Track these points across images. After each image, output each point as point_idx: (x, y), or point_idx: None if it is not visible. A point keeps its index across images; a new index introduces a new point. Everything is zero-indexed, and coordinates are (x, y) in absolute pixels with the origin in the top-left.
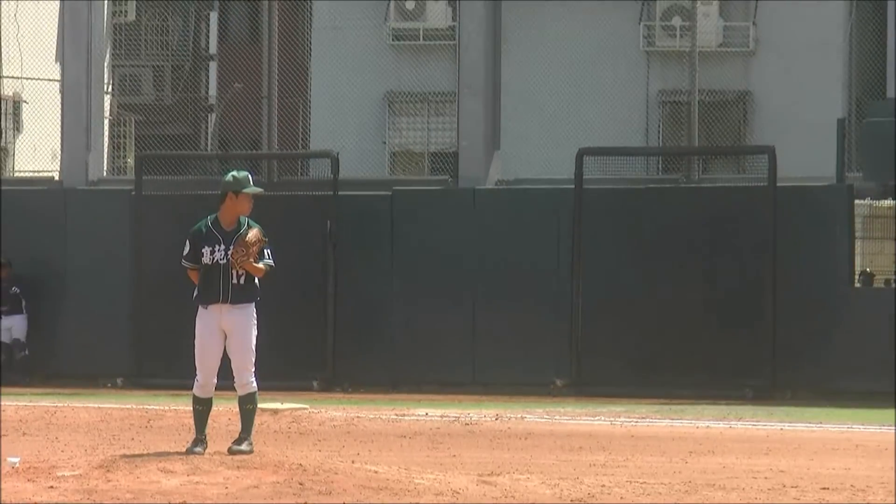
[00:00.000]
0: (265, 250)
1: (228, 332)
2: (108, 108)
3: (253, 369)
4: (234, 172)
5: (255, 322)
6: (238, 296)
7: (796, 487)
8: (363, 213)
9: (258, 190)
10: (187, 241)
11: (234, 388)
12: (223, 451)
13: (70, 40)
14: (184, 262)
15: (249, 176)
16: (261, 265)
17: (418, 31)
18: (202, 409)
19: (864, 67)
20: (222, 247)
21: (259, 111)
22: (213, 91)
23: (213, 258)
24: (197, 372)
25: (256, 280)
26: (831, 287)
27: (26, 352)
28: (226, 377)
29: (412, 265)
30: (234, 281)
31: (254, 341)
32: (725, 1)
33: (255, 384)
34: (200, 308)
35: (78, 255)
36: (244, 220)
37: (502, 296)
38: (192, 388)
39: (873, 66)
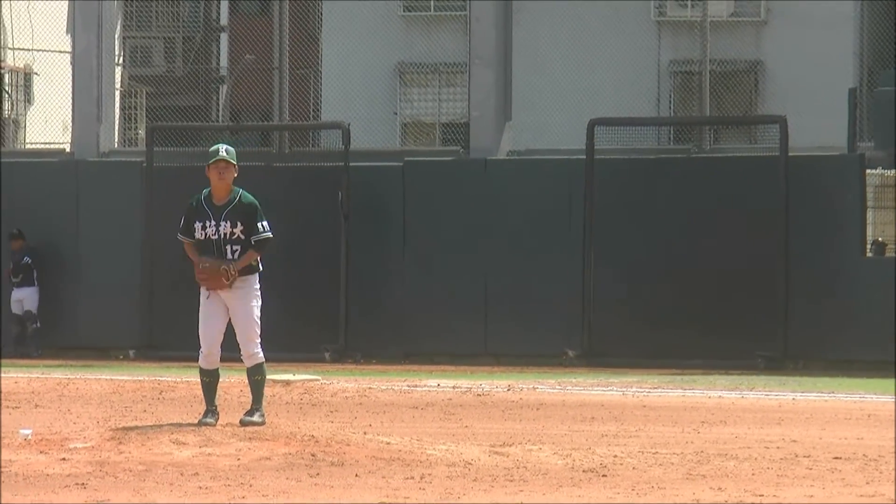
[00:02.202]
0: (260, 223)
1: (230, 306)
2: (119, 79)
3: (258, 340)
4: (215, 146)
5: (259, 293)
6: None
7: (808, 457)
8: (374, 184)
9: (217, 158)
10: (183, 215)
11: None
12: (235, 423)
13: (81, 12)
14: (179, 236)
15: (221, 147)
16: (252, 256)
17: (429, 1)
18: (209, 381)
19: (875, 37)
20: (213, 222)
21: (270, 82)
22: (224, 62)
23: (206, 234)
24: (200, 342)
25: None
26: (843, 257)
27: (38, 324)
28: (236, 349)
29: (423, 236)
30: (229, 256)
31: (257, 312)
32: None
33: (261, 355)
34: None
35: (89, 227)
36: (237, 193)
37: (514, 267)
38: None
39: (885, 36)
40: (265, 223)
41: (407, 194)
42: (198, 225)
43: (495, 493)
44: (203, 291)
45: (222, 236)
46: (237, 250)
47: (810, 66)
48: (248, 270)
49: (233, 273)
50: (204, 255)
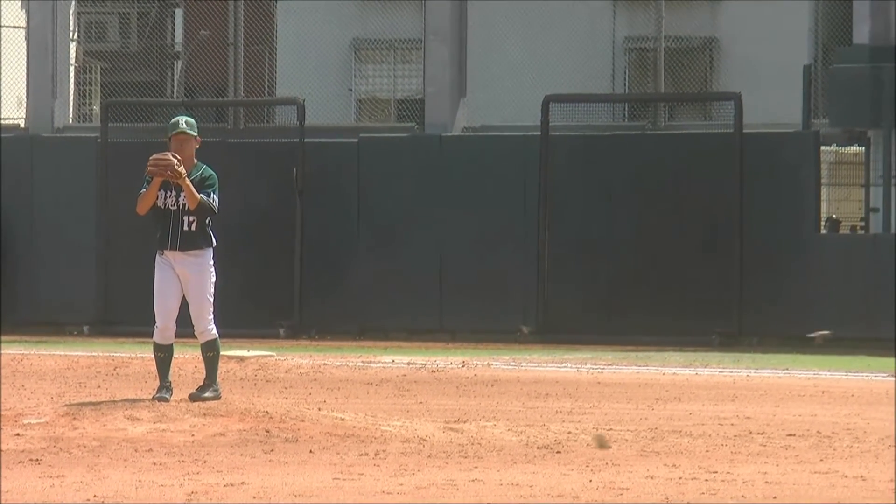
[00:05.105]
0: (212, 193)
1: (183, 280)
2: (74, 55)
3: (210, 317)
4: (175, 118)
5: (212, 270)
6: (188, 242)
7: (762, 434)
8: (329, 160)
9: (177, 130)
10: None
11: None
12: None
13: None
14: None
15: (181, 119)
16: (196, 194)
17: None
18: (164, 356)
19: (830, 13)
20: (173, 193)
21: (225, 58)
22: (179, 38)
23: (166, 204)
24: (155, 317)
25: (209, 228)
26: (797, 233)
27: None
28: (190, 325)
29: (379, 212)
30: (185, 228)
31: (210, 289)
32: None
33: (214, 331)
34: (158, 253)
35: (44, 203)
36: (201, 168)
37: (469, 242)
38: None
39: (840, 13)
40: (216, 196)
41: (362, 170)
42: (161, 193)
43: (449, 469)
44: (157, 264)
45: (181, 207)
46: (194, 221)
47: (765, 42)
48: (201, 244)
49: (181, 171)
50: (160, 224)
